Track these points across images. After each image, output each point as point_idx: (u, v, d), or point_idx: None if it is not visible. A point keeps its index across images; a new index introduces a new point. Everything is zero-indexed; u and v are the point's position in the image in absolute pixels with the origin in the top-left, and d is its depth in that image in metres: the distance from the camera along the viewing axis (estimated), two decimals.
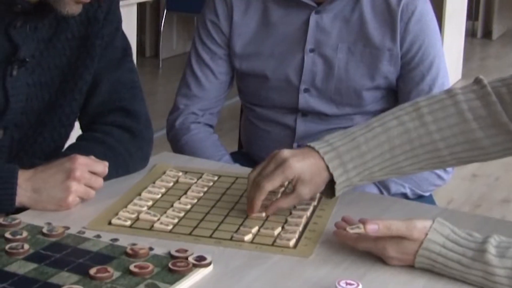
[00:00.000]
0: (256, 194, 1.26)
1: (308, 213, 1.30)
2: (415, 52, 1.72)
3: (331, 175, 1.28)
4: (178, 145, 1.82)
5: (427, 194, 1.78)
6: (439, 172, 1.76)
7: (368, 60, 1.74)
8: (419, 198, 1.75)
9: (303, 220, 1.27)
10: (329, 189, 1.31)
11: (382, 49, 1.72)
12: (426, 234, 1.08)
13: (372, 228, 1.09)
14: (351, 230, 1.14)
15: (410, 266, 1.10)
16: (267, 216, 1.29)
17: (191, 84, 1.85)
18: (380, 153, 1.28)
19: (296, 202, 1.29)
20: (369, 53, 1.73)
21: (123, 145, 1.46)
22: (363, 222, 1.13)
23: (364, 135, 1.30)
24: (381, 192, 1.70)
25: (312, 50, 1.76)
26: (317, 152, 1.28)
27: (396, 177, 1.49)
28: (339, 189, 1.29)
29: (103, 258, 1.11)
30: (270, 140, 1.85)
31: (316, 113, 1.79)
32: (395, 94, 1.79)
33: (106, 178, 1.35)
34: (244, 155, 1.94)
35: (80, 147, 1.42)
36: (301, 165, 1.27)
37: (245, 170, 1.53)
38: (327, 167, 1.28)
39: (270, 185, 1.25)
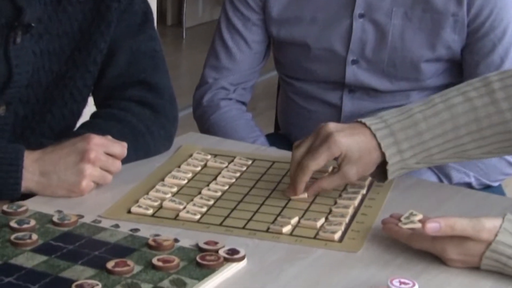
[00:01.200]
0: (299, 174, 1.28)
1: (356, 202, 1.32)
2: (485, 18, 1.72)
3: (383, 155, 1.30)
4: (206, 124, 1.86)
5: (495, 184, 1.79)
6: (510, 158, 1.77)
7: (428, 27, 1.74)
8: (486, 188, 1.77)
9: (350, 211, 1.29)
10: (381, 172, 1.33)
11: (445, 14, 1.73)
12: (496, 235, 1.09)
13: (433, 227, 1.10)
14: (405, 226, 1.16)
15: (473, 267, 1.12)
16: (308, 206, 1.31)
17: (221, 55, 1.88)
18: (442, 133, 1.30)
19: (341, 183, 1.32)
20: (430, 18, 1.74)
21: (143, 123, 1.49)
22: (422, 221, 1.15)
23: (423, 112, 1.32)
24: (441, 181, 1.71)
25: (362, 15, 1.77)
26: (368, 128, 1.31)
27: (459, 161, 1.51)
28: (392, 171, 1.31)
29: (122, 250, 1.15)
30: (312, 120, 1.87)
31: (365, 88, 1.80)
32: (459, 67, 1.79)
33: (124, 161, 1.38)
34: (282, 138, 1.97)
35: (95, 126, 1.45)
36: (348, 141, 1.29)
37: (283, 154, 1.56)
38: (379, 145, 1.30)
39: (314, 164, 1.28)
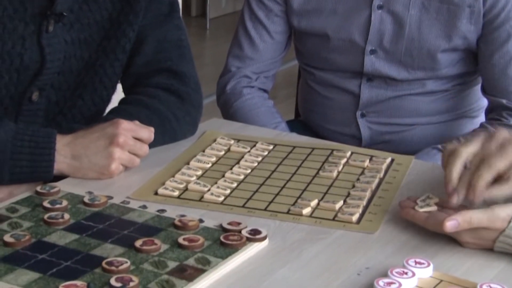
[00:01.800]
0: (484, 172, 1.17)
1: (373, 186, 1.34)
2: (501, 9, 1.73)
3: None
4: (229, 111, 1.87)
5: None
6: None
7: (444, 18, 1.75)
8: None
9: (368, 194, 1.31)
10: None
11: (461, 5, 1.73)
12: (509, 222, 1.11)
13: (452, 224, 1.12)
14: (421, 209, 1.18)
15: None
16: (328, 189, 1.33)
17: (244, 44, 1.89)
18: None
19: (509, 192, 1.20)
20: (446, 9, 1.74)
21: (170, 109, 1.51)
22: (438, 204, 1.16)
23: None
24: None
25: (380, 7, 1.78)
26: None
27: None
28: None
29: (149, 229, 1.17)
30: (331, 107, 1.89)
31: (383, 77, 1.81)
32: (474, 57, 1.80)
33: (151, 145, 1.40)
34: (302, 124, 1.99)
35: (123, 111, 1.47)
36: None
37: (303, 139, 1.58)
38: None
39: (502, 162, 1.17)
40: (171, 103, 1.52)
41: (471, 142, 1.22)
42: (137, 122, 1.40)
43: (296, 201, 1.28)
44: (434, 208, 1.18)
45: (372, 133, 1.87)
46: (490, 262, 1.12)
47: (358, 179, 1.37)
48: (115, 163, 1.35)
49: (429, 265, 1.06)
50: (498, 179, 1.18)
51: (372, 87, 1.83)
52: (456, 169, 1.20)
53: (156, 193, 1.30)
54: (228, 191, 1.31)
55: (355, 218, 1.22)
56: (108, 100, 1.57)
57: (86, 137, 1.36)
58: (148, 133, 1.39)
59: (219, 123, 1.67)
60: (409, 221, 1.20)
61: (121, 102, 1.54)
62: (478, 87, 1.86)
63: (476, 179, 1.17)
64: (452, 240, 1.15)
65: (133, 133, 1.37)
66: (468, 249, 1.14)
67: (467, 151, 1.20)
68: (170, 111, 1.51)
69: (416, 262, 1.06)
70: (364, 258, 1.12)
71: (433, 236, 1.17)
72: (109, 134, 1.35)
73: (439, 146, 1.74)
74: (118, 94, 1.59)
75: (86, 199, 1.25)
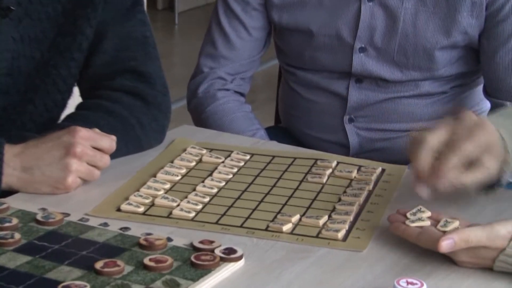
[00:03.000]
0: (450, 154, 1.21)
1: (361, 199, 1.38)
2: (505, 0, 1.76)
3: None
4: (201, 116, 1.90)
5: None
6: None
7: (443, 11, 1.78)
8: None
9: (355, 208, 1.34)
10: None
11: None
12: (510, 240, 1.14)
13: (447, 244, 1.14)
14: (412, 224, 1.21)
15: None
16: (310, 203, 1.36)
17: (218, 42, 1.91)
18: None
19: (482, 179, 1.26)
20: (445, 1, 1.77)
21: (134, 114, 1.53)
22: (431, 218, 1.20)
23: None
24: None
25: None
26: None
27: None
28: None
29: (111, 250, 1.19)
30: (315, 112, 1.92)
31: (374, 78, 1.85)
32: (475, 55, 1.83)
33: (113, 156, 1.43)
34: (283, 131, 2.02)
35: (81, 118, 1.49)
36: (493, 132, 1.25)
37: (284, 148, 1.61)
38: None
39: (470, 145, 1.22)
40: (135, 108, 1.54)
41: (438, 128, 1.26)
42: (96, 129, 1.42)
43: (275, 217, 1.31)
44: (426, 222, 1.21)
45: (361, 140, 1.90)
46: (489, 283, 1.15)
47: (344, 192, 1.41)
48: (71, 175, 1.37)
49: (422, 285, 1.08)
50: (470, 166, 1.23)
51: (362, 89, 1.86)
52: (423, 157, 1.24)
53: (118, 209, 1.33)
54: (199, 206, 1.34)
55: (341, 235, 1.26)
56: (63, 105, 1.59)
57: (39, 146, 1.37)
58: (109, 142, 1.41)
59: (190, 130, 1.70)
60: (400, 237, 1.23)
61: (78, 107, 1.56)
62: (479, 89, 1.90)
63: (441, 161, 1.21)
64: (447, 258, 1.18)
65: (92, 142, 1.39)
66: (465, 270, 1.17)
67: (434, 138, 1.25)
68: (135, 117, 1.53)
69: (408, 283, 1.08)
70: (351, 279, 1.15)
71: (426, 254, 1.20)
72: (65, 143, 1.37)
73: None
74: (75, 99, 1.60)
75: (39, 217, 1.27)
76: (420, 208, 1.24)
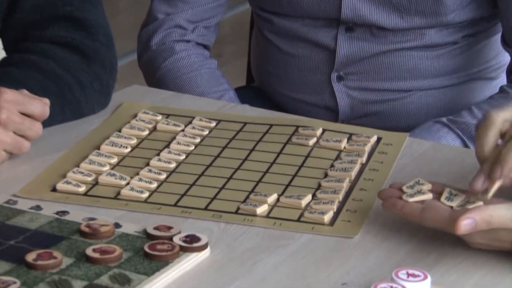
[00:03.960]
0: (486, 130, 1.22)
1: (353, 174, 1.38)
2: None
3: None
4: (156, 74, 1.90)
5: None
6: None
7: None
8: None
9: (345, 185, 1.35)
10: None
11: None
12: None
13: (467, 224, 1.14)
14: (411, 199, 1.21)
15: (501, 252, 1.18)
16: (291, 180, 1.37)
17: None
18: None
19: None
20: None
21: (71, 72, 1.53)
22: (434, 190, 1.21)
23: None
24: (467, 146, 1.77)
25: None
26: None
27: None
28: None
29: (46, 238, 1.19)
30: (296, 68, 1.93)
31: (367, 26, 1.85)
32: None
33: (46, 123, 1.43)
34: (256, 92, 2.03)
35: (6, 76, 1.48)
36: None
37: (258, 113, 1.62)
38: None
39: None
40: (72, 64, 1.54)
41: (508, 106, 1.25)
42: (25, 91, 1.41)
43: (247, 197, 1.32)
44: (428, 196, 1.21)
45: (353, 103, 1.91)
46: (504, 275, 1.15)
47: (332, 166, 1.41)
48: None
49: (425, 277, 1.09)
50: None
51: (353, 40, 1.87)
52: (488, 142, 1.23)
53: (54, 189, 1.33)
54: (154, 185, 1.35)
55: (327, 218, 1.26)
56: None
57: None
58: (41, 106, 1.40)
59: (142, 91, 1.70)
60: (399, 218, 1.23)
61: (2, 63, 1.55)
62: (497, 38, 1.91)
63: (506, 151, 1.20)
64: (457, 243, 1.19)
65: (20, 107, 1.38)
66: (478, 257, 1.18)
67: (502, 117, 1.24)
68: (72, 75, 1.53)
69: (408, 275, 1.09)
70: (339, 271, 1.15)
71: (431, 239, 1.21)
72: None
73: (444, 120, 1.79)
74: None
75: None
76: (419, 180, 1.25)
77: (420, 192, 1.22)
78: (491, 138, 1.24)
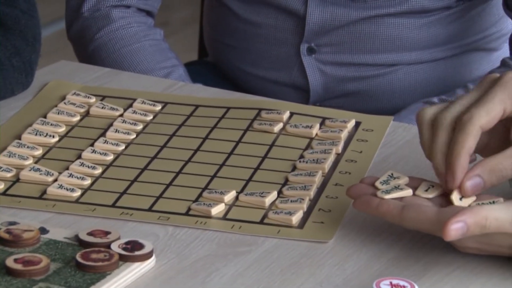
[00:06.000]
0: (458, 140, 1.22)
1: (326, 167, 1.39)
2: None
3: None
4: (88, 47, 1.90)
5: None
6: None
7: None
8: None
9: (317, 180, 1.36)
10: None
11: None
12: None
13: (457, 230, 1.14)
14: (387, 196, 1.22)
15: (494, 257, 1.20)
16: (252, 174, 1.38)
17: None
18: None
19: None
20: None
21: None
22: (412, 185, 1.22)
23: None
24: None
25: None
26: None
27: None
28: None
29: None
30: (259, 39, 1.94)
31: None
32: None
33: None
34: (211, 68, 2.04)
35: None
36: None
37: (212, 94, 1.62)
38: None
39: (485, 116, 1.22)
40: None
41: (462, 98, 1.26)
42: None
43: (200, 195, 1.33)
44: (407, 192, 1.22)
45: (326, 80, 1.93)
46: (502, 280, 1.17)
47: (301, 157, 1.42)
48: None
49: (413, 287, 1.11)
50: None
51: (326, 4, 1.87)
52: (439, 146, 1.24)
53: None
54: (87, 182, 1.35)
55: (296, 219, 1.27)
56: None
57: None
58: None
59: (71, 68, 1.71)
60: (381, 221, 1.23)
61: None
62: (497, 2, 1.92)
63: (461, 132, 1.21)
64: (451, 247, 1.20)
65: None
66: (475, 264, 1.19)
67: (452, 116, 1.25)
68: None
69: (392, 285, 1.11)
70: (311, 282, 1.17)
71: (419, 243, 1.22)
72: None
73: (435, 100, 1.80)
74: None
75: None
76: (392, 174, 1.25)
77: (397, 188, 1.23)
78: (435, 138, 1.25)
